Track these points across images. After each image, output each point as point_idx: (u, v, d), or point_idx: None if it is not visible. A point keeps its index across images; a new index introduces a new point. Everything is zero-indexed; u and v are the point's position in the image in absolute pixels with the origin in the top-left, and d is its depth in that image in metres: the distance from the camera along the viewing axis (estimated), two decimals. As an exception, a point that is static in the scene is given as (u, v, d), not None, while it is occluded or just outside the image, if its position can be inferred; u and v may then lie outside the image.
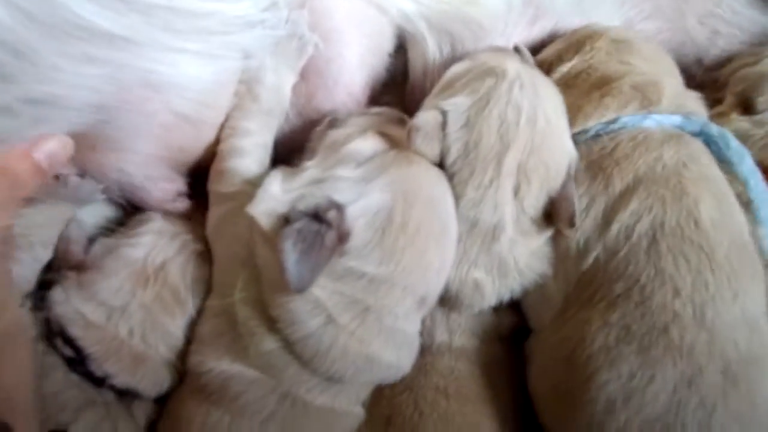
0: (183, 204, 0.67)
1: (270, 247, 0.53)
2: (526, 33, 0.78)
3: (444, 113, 0.60)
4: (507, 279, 0.61)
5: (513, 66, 0.62)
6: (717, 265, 0.56)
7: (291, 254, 0.50)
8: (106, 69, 0.57)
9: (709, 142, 0.63)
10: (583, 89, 0.67)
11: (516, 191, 0.59)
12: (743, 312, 0.56)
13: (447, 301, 0.61)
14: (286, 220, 0.52)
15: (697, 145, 0.63)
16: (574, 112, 0.65)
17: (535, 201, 0.60)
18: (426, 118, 0.59)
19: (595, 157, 0.63)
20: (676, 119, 0.63)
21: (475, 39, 0.76)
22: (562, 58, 0.71)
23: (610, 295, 0.57)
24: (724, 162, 0.62)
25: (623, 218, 0.59)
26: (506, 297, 0.62)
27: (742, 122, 0.68)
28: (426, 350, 0.62)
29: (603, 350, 0.56)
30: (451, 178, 0.59)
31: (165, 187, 0.66)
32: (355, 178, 0.55)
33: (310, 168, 0.58)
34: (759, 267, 0.59)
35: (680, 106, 0.65)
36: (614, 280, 0.58)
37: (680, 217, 0.58)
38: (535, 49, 0.77)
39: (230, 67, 0.65)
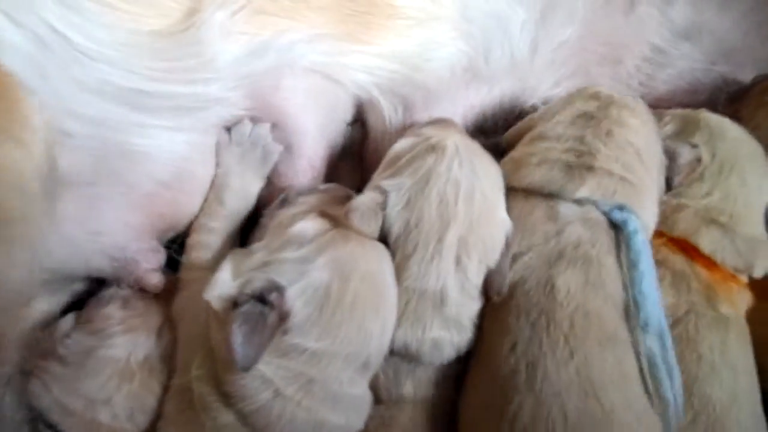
0: (160, 279, 0.70)
1: (222, 328, 0.56)
2: (467, 95, 0.82)
3: (385, 193, 0.63)
4: (466, 334, 0.63)
5: (452, 141, 0.65)
6: (556, 325, 0.58)
7: (237, 335, 0.53)
8: (85, 142, 0.63)
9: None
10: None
11: (457, 263, 0.62)
12: (579, 374, 0.56)
13: (410, 358, 0.63)
14: (235, 304, 0.56)
15: (603, 235, 0.64)
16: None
17: (476, 271, 0.62)
18: (363, 200, 0.62)
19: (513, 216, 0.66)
20: (604, 206, 0.65)
21: (425, 101, 0.80)
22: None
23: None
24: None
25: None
26: (464, 349, 0.64)
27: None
28: (388, 402, 0.64)
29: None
30: (393, 252, 0.62)
31: (152, 259, 0.70)
32: (296, 260, 0.58)
33: (258, 251, 0.60)
34: (615, 335, 0.59)
35: (610, 191, 0.66)
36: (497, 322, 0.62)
37: (540, 281, 0.61)
38: (475, 108, 0.82)
39: (200, 139, 0.70)
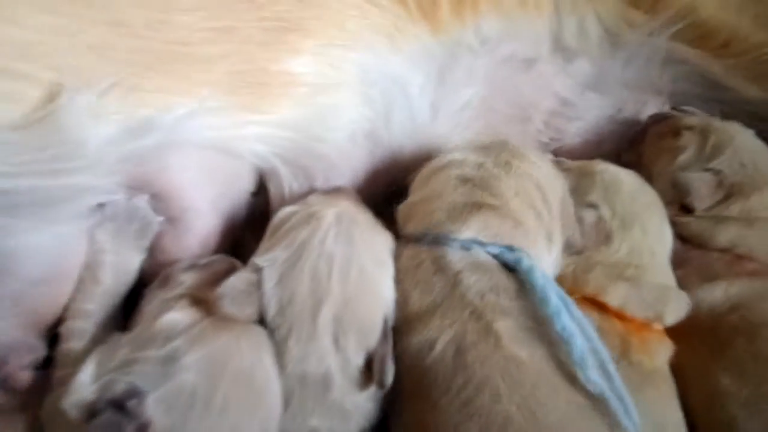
0: (30, 377, 0.62)
1: (79, 440, 0.51)
2: (370, 163, 0.78)
3: (259, 270, 0.58)
4: (349, 424, 0.58)
5: (333, 211, 0.61)
6: (525, 369, 0.54)
7: (93, 450, 0.48)
8: None
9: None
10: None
11: (336, 343, 0.57)
12: (569, 403, 0.53)
13: None
14: (93, 412, 0.51)
15: (502, 279, 0.60)
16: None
17: (355, 352, 0.57)
18: (234, 282, 0.57)
19: (402, 267, 0.63)
20: (493, 248, 0.62)
21: (326, 172, 0.75)
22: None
23: (432, 396, 0.56)
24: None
25: (424, 333, 0.58)
26: None
27: None
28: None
29: None
30: (272, 333, 0.57)
31: (25, 356, 0.63)
32: (160, 359, 0.52)
33: (123, 347, 0.55)
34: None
35: (497, 233, 0.63)
36: (428, 385, 0.56)
37: (479, 333, 0.56)
38: (378, 177, 0.78)
39: (72, 229, 0.63)
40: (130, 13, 0.61)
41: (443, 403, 0.54)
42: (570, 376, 0.55)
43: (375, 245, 0.62)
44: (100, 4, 0.60)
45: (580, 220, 0.69)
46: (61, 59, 0.58)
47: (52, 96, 0.58)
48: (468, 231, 0.62)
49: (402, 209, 0.68)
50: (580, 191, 0.71)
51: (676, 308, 0.65)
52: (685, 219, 0.74)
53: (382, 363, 0.56)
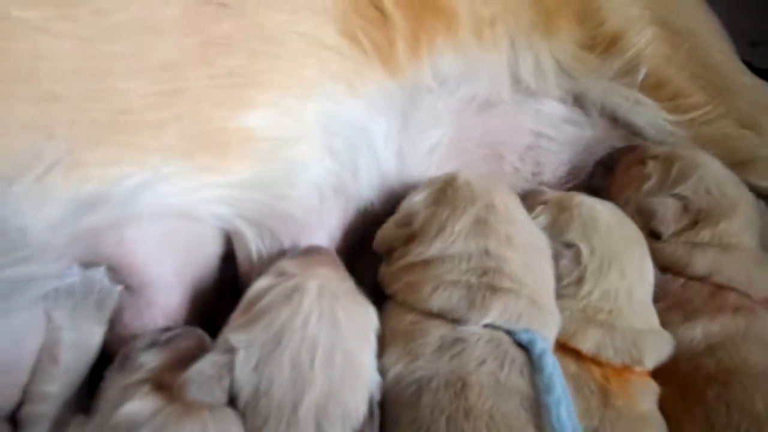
0: None
1: None
2: (341, 219, 0.75)
3: (232, 351, 0.55)
4: None
5: (315, 283, 0.58)
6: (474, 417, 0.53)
7: None
8: None
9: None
10: None
11: (318, 430, 0.53)
12: None
13: None
14: None
15: (513, 356, 0.59)
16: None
17: None
18: (202, 367, 0.53)
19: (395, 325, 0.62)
20: (510, 329, 0.60)
21: (292, 232, 0.72)
22: None
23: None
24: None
25: (397, 368, 0.58)
26: None
27: None
28: None
29: None
30: (244, 420, 0.54)
31: None
32: None
33: None
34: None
35: (515, 316, 0.61)
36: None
37: (449, 380, 0.56)
38: (349, 233, 0.74)
39: (25, 318, 0.60)
40: (66, 84, 0.57)
41: None
42: None
43: (359, 322, 0.59)
44: (33, 79, 0.56)
45: (557, 257, 0.67)
46: None
47: None
48: (488, 318, 0.60)
49: (402, 286, 0.65)
50: (558, 227, 0.70)
51: (656, 350, 0.63)
52: (659, 245, 0.73)
53: None
